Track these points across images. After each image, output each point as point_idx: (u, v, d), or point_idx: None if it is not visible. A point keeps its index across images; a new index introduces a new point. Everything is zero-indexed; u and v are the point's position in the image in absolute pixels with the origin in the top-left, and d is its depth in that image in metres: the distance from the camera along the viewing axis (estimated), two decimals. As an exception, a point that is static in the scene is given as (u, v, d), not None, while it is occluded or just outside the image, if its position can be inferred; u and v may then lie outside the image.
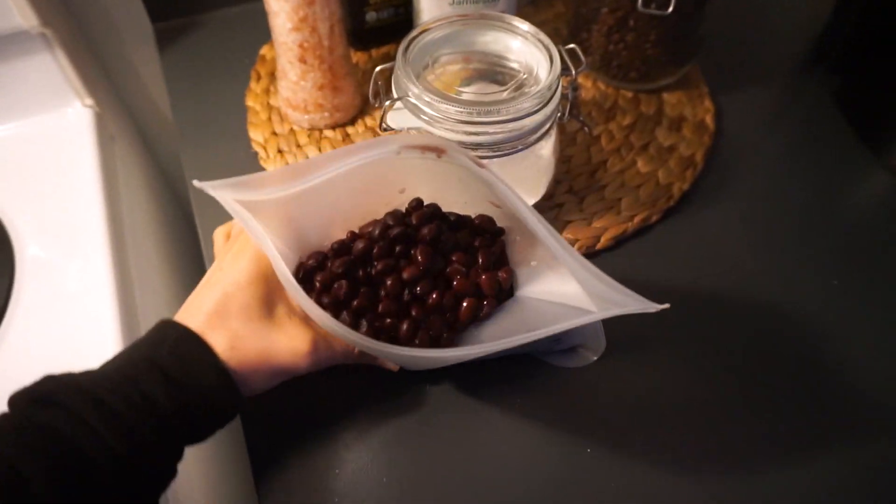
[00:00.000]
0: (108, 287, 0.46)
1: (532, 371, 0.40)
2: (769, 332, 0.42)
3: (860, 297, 0.43)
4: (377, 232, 0.35)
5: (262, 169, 0.49)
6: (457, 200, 0.38)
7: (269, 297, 0.33)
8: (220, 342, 0.31)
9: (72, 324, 0.44)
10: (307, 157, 0.50)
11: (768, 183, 0.50)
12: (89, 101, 0.56)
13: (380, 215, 0.37)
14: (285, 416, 0.38)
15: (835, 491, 0.36)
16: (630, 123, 0.52)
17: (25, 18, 0.48)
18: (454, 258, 0.37)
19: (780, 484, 0.36)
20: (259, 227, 0.31)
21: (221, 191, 0.31)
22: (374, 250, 0.35)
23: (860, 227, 0.47)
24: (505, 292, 0.38)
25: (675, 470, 0.36)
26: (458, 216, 0.38)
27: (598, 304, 0.34)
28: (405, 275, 0.35)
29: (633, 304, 0.30)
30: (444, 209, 0.38)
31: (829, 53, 0.59)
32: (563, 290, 0.37)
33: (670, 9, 0.45)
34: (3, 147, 0.53)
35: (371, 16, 0.55)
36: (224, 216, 0.45)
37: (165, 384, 0.29)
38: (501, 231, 0.39)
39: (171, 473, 0.30)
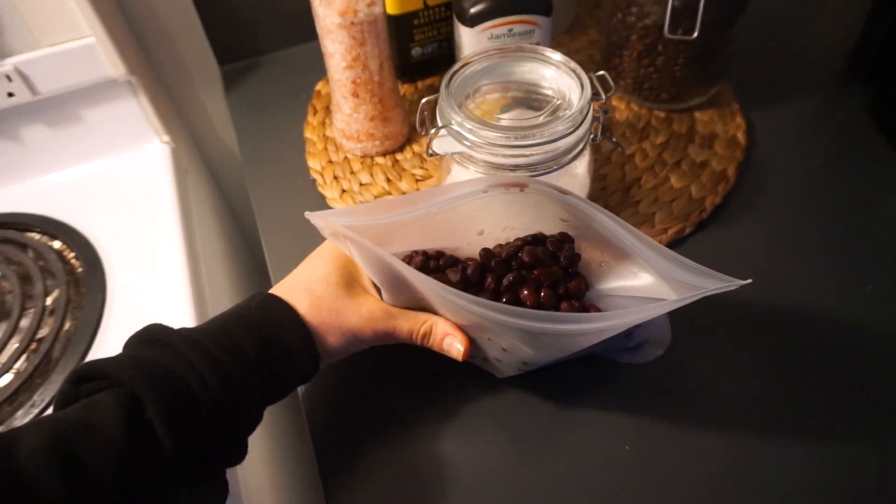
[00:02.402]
0: (186, 305, 0.51)
1: (600, 369, 0.43)
2: (805, 339, 0.43)
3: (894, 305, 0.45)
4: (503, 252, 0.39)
5: (321, 194, 0.54)
6: (529, 225, 0.41)
7: (347, 276, 0.37)
8: (302, 302, 0.35)
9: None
10: (366, 190, 0.54)
11: (801, 195, 0.51)
12: (166, 138, 0.62)
13: (463, 254, 0.41)
14: (350, 417, 0.42)
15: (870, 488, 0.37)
16: (663, 142, 0.55)
17: (115, 68, 0.54)
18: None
19: (832, 472, 0.37)
20: (366, 241, 0.35)
21: (331, 219, 0.36)
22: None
23: (894, 236, 0.48)
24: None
25: (748, 455, 0.38)
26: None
27: (676, 290, 0.36)
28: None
29: (714, 283, 0.33)
30: (517, 230, 0.41)
31: (861, 66, 0.60)
32: (634, 285, 0.40)
33: (695, 34, 0.48)
34: (93, 181, 0.60)
35: (417, 51, 0.60)
36: (284, 244, 0.50)
37: (251, 335, 0.33)
38: (573, 241, 0.41)
39: (256, 421, 0.34)
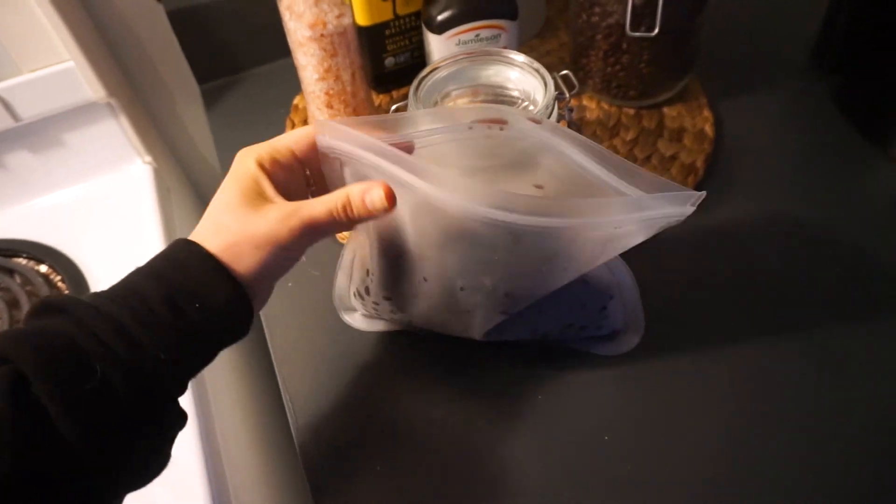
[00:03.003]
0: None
1: (576, 362, 0.43)
2: (780, 326, 0.44)
3: (869, 294, 0.45)
4: None
5: (300, 205, 0.55)
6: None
7: (249, 193, 0.33)
8: (207, 235, 0.32)
9: None
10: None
11: (770, 185, 0.53)
12: (148, 158, 0.63)
13: None
14: (336, 418, 0.43)
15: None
16: (633, 138, 0.56)
17: (95, 91, 0.55)
18: None
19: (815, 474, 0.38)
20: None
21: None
22: None
23: (866, 222, 0.49)
24: None
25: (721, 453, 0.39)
26: None
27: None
28: None
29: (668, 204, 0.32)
30: None
31: (825, 55, 0.62)
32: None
33: (656, 30, 0.49)
34: (77, 204, 0.61)
35: (389, 61, 0.61)
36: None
37: (158, 286, 0.29)
38: None
39: (183, 386, 0.31)
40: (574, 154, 0.36)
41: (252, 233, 0.32)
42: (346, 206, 0.34)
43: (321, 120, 0.35)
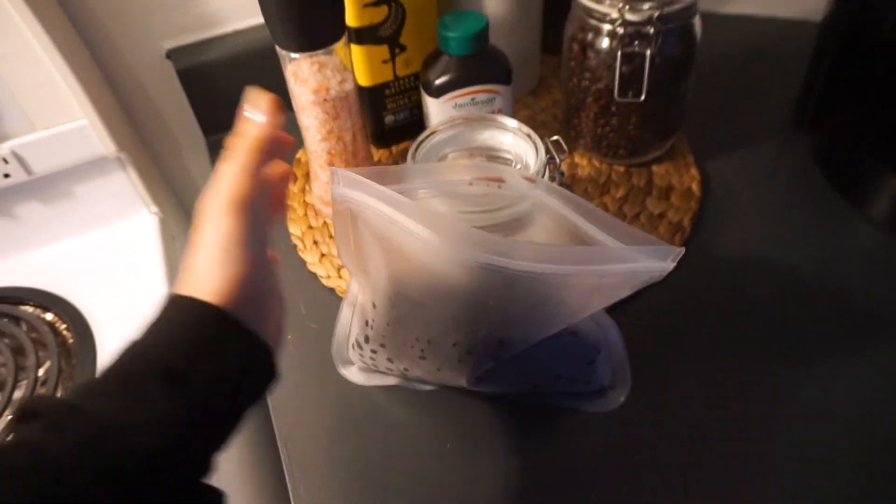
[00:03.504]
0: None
1: (562, 420, 0.44)
2: (765, 383, 0.46)
3: (854, 352, 0.47)
4: None
5: (301, 259, 0.57)
6: None
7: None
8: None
9: None
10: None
11: (753, 244, 0.54)
12: (154, 208, 0.65)
13: None
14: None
15: None
16: (623, 195, 0.58)
17: (106, 147, 0.58)
18: None
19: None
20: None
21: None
22: None
23: (847, 280, 0.51)
24: None
25: None
26: None
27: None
28: None
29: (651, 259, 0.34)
30: None
31: (805, 115, 0.65)
32: None
33: (642, 97, 0.52)
34: (84, 253, 0.63)
35: (389, 119, 0.64)
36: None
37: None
38: None
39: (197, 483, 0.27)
40: (566, 211, 0.38)
41: (203, 249, 0.29)
42: (232, 137, 0.33)
43: (337, 168, 0.37)
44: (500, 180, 0.40)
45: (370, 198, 0.37)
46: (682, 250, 0.34)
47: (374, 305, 0.43)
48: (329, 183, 0.47)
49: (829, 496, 0.40)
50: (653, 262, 0.35)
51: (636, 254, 0.35)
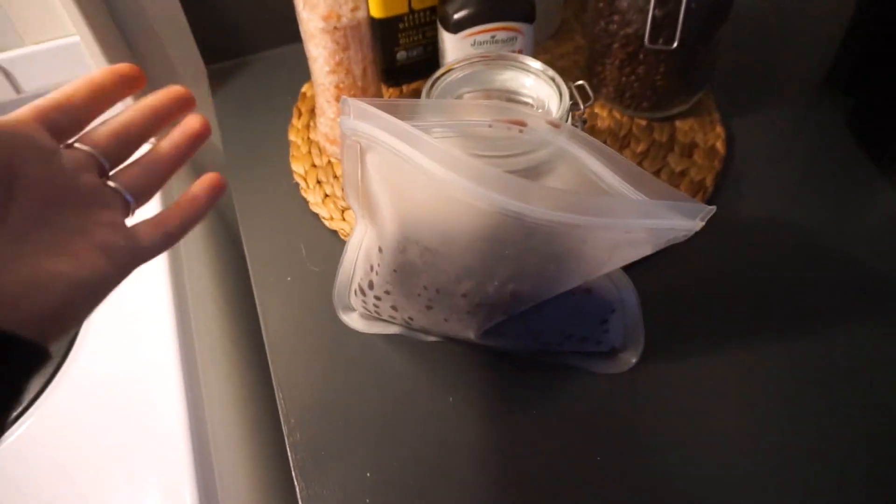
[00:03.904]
0: (166, 308, 0.51)
1: (572, 380, 0.43)
2: (783, 349, 0.44)
3: (873, 321, 0.45)
4: None
5: (304, 198, 0.54)
6: None
7: None
8: None
9: (135, 336, 0.49)
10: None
11: (776, 207, 0.52)
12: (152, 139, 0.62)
13: None
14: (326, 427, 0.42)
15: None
16: (643, 150, 0.55)
17: (100, 67, 0.54)
18: None
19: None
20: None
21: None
22: None
23: (871, 248, 0.49)
24: None
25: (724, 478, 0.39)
26: None
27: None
28: None
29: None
30: None
31: (840, 77, 0.61)
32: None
33: (675, 44, 0.49)
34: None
35: (402, 55, 0.60)
36: (266, 250, 0.50)
37: None
38: None
39: None
40: (589, 161, 0.36)
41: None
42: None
43: (348, 98, 0.34)
44: (522, 124, 0.37)
45: (383, 132, 0.34)
46: (713, 209, 0.32)
47: (380, 250, 0.40)
48: (337, 117, 0.44)
49: (841, 465, 0.39)
50: (681, 219, 0.33)
51: (664, 210, 0.33)
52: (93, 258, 0.27)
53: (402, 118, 0.35)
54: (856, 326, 0.45)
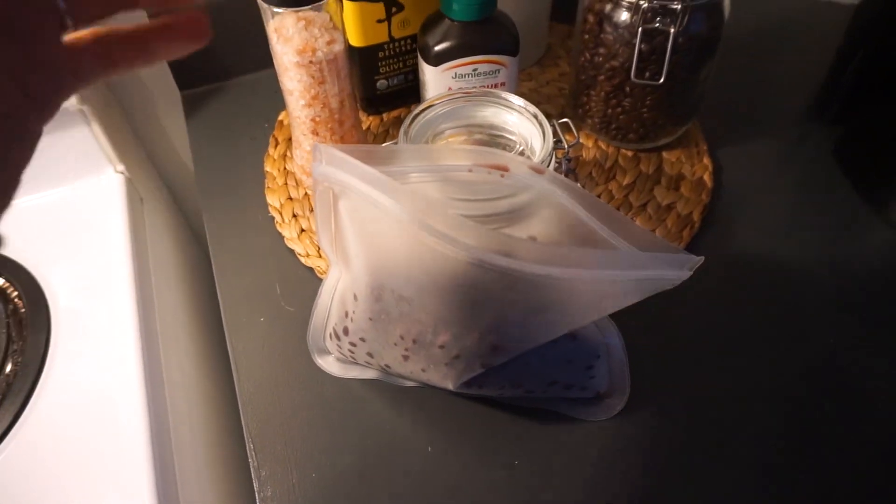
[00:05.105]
0: (133, 343, 0.49)
1: (557, 426, 0.41)
2: (772, 388, 0.43)
3: (865, 350, 0.44)
4: None
5: (279, 233, 0.52)
6: None
7: None
8: None
9: (102, 366, 0.47)
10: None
11: (764, 240, 0.51)
12: (121, 167, 0.60)
13: None
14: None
15: None
16: (630, 183, 0.54)
17: (64, 98, 0.52)
18: None
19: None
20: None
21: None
22: None
23: (859, 283, 0.48)
24: None
25: None
26: None
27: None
28: None
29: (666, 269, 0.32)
30: None
31: (827, 107, 0.61)
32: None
33: (662, 79, 0.47)
34: (41, 212, 0.58)
35: (382, 83, 0.58)
36: (238, 285, 0.48)
37: None
38: None
39: None
40: (571, 205, 0.35)
41: None
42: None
43: (320, 144, 0.33)
44: (503, 168, 0.36)
45: (355, 179, 0.33)
46: (701, 259, 0.31)
47: (354, 297, 0.39)
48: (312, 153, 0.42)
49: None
50: (670, 270, 0.32)
51: (653, 260, 0.32)
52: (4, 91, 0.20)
53: (379, 163, 0.33)
54: (848, 360, 0.43)
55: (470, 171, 0.36)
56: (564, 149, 0.43)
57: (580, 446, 0.41)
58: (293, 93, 0.47)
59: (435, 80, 0.50)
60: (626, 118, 0.53)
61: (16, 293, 0.52)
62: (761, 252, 0.50)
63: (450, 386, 0.40)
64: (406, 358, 0.39)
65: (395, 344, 0.39)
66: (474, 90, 0.44)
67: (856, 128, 0.58)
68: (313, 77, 0.45)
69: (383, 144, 0.37)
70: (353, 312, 0.39)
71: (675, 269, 0.32)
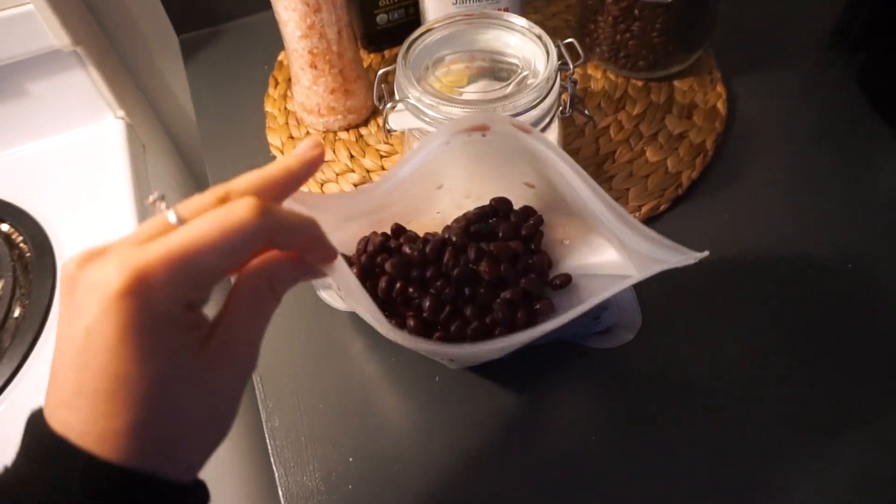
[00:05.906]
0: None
1: (568, 355, 0.41)
2: (782, 319, 0.42)
3: (876, 281, 0.43)
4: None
5: (280, 171, 0.51)
6: (493, 188, 0.40)
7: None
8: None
9: None
10: (328, 168, 0.51)
11: (782, 169, 0.49)
12: (121, 113, 0.59)
13: (423, 212, 0.40)
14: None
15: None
16: (640, 113, 0.52)
17: (58, 38, 0.51)
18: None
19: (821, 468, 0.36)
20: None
21: None
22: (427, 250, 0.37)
23: (880, 211, 0.46)
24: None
25: (715, 450, 0.37)
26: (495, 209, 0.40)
27: (637, 266, 0.35)
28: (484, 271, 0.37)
29: (672, 258, 0.32)
30: (481, 197, 0.40)
31: (848, 33, 0.58)
32: (597, 262, 0.39)
33: (672, -3, 0.45)
34: (41, 159, 0.57)
35: (382, 18, 0.56)
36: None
37: None
38: (540, 220, 0.40)
39: None
40: (566, 172, 0.35)
41: (82, 371, 0.20)
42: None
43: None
44: (484, 128, 0.35)
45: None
46: (705, 254, 0.32)
47: None
48: (313, 85, 0.41)
49: (829, 452, 0.36)
50: (675, 255, 0.33)
51: (661, 252, 0.33)
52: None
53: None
54: (857, 309, 0.42)
55: (447, 143, 0.35)
56: (570, 69, 0.41)
57: (589, 374, 0.40)
58: (288, 23, 0.45)
59: (436, 7, 0.49)
60: (636, 44, 0.51)
61: (21, 238, 0.52)
62: (779, 181, 0.48)
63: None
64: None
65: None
66: (475, 13, 0.43)
67: (880, 53, 0.56)
68: (308, 5, 0.44)
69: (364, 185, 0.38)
70: None
71: (680, 255, 0.33)
